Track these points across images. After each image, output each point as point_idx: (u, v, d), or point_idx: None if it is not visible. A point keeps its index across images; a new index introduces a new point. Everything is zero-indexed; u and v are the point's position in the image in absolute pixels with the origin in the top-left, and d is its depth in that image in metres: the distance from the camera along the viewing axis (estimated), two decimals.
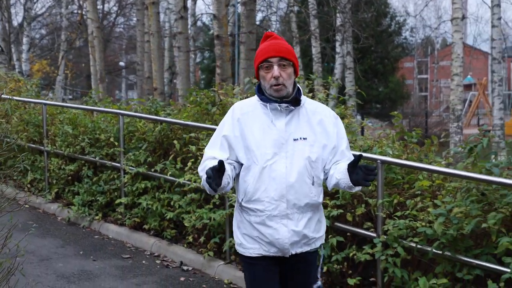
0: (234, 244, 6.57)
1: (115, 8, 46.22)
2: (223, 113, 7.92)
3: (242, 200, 3.66)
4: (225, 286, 6.49)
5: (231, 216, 6.70)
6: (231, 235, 6.77)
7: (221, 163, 3.31)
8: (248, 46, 12.81)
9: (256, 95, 3.71)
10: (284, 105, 3.59)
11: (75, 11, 36.35)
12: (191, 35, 26.33)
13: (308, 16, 24.29)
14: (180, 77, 17.04)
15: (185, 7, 16.49)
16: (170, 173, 7.45)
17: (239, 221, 3.76)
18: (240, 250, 3.75)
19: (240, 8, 28.64)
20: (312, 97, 7.87)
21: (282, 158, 3.56)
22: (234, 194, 6.59)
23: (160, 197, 7.60)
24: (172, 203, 7.39)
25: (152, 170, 7.77)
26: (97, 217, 8.45)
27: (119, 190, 8.26)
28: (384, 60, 37.94)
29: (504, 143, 16.62)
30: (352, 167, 3.48)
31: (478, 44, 78.17)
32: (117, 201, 8.13)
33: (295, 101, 3.62)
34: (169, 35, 26.30)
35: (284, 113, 3.61)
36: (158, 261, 7.21)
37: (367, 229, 5.75)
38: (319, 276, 3.86)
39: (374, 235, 5.60)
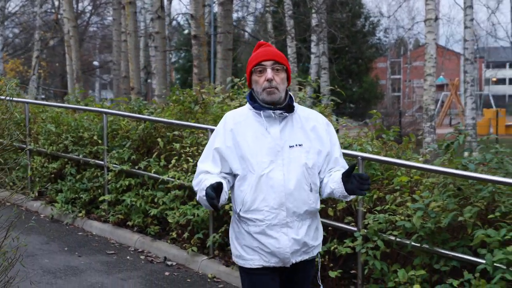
0: (217, 240, 6.79)
1: (89, 8, 46.11)
2: (205, 111, 8.10)
3: (240, 210, 3.58)
4: (209, 280, 6.65)
5: (214, 212, 6.88)
6: (215, 231, 6.94)
7: (220, 184, 3.28)
8: (225, 46, 12.96)
9: (247, 104, 3.67)
10: (278, 111, 3.55)
11: (49, 10, 36.19)
12: (167, 35, 26.41)
13: (284, 16, 24.49)
14: (157, 76, 17.11)
15: (162, 7, 16.58)
16: (154, 170, 7.59)
17: (237, 232, 3.67)
18: (239, 262, 3.67)
19: (215, 8, 28.81)
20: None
21: (279, 166, 3.51)
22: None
23: (144, 194, 7.73)
24: (156, 200, 7.54)
25: (136, 167, 7.91)
26: (80, 214, 8.56)
27: (103, 187, 8.38)
28: (358, 61, 38.31)
29: (478, 140, 17.01)
30: (346, 177, 3.46)
31: (450, 45, 79.14)
32: (101, 198, 8.24)
33: (289, 108, 3.59)
34: (144, 35, 26.39)
35: (278, 120, 3.58)
36: (142, 257, 7.35)
37: (348, 223, 5.94)
38: (320, 282, 3.87)
39: (355, 229, 5.79)
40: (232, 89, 8.58)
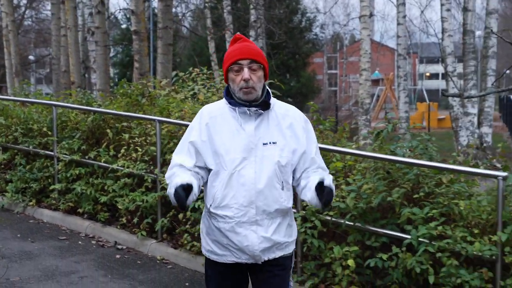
0: (165, 224, 7.21)
1: (24, 1, 45.48)
2: (151, 104, 8.51)
3: (210, 206, 3.56)
4: (158, 262, 7.07)
5: (162, 198, 7.31)
6: (163, 216, 7.36)
7: (190, 185, 3.33)
8: (166, 41, 13.26)
9: (224, 98, 3.63)
10: (253, 109, 3.51)
11: None
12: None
13: (223, 12, 24.90)
14: (98, 71, 17.29)
15: (102, 2, 16.75)
16: (103, 160, 7.96)
17: (207, 227, 3.66)
18: (212, 257, 3.65)
19: (154, 3, 28.97)
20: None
21: (251, 163, 3.48)
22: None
23: (94, 183, 8.09)
24: (106, 187, 7.91)
25: (86, 157, 8.25)
26: (31, 203, 8.85)
27: (53, 177, 8.69)
28: (296, 56, 38.82)
29: (409, 135, 17.76)
30: (319, 189, 3.42)
31: (385, 41, 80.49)
32: (51, 187, 8.56)
33: (265, 105, 3.55)
34: (82, 29, 26.36)
35: (253, 117, 3.53)
36: (93, 242, 7.71)
37: None
38: (291, 278, 3.84)
39: (294, 210, 6.27)
40: (177, 82, 9.00)
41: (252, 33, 24.39)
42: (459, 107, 18.70)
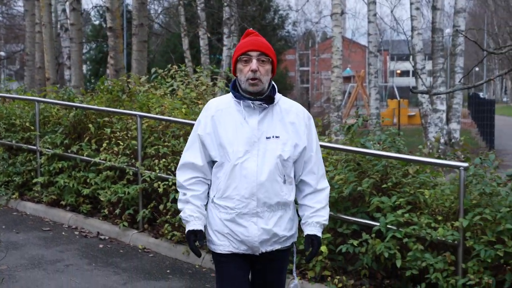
0: (146, 215, 7.52)
1: None
2: (131, 100, 8.81)
3: (214, 196, 3.67)
4: (140, 250, 7.38)
5: (143, 190, 7.63)
6: (144, 207, 7.68)
7: (201, 233, 3.62)
8: (140, 38, 13.52)
9: (230, 92, 3.71)
10: (257, 102, 3.58)
11: None
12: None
13: (196, 9, 25.15)
14: (73, 67, 17.46)
15: None
16: (86, 153, 8.24)
17: (210, 218, 3.73)
18: (210, 247, 3.75)
19: (127, 0, 29.10)
20: (214, 86, 8.90)
21: (253, 156, 3.56)
22: (147, 171, 7.52)
23: (76, 176, 8.36)
24: (88, 180, 8.19)
25: (69, 151, 8.53)
26: (14, 196, 9.09)
27: (35, 170, 8.96)
28: None
29: (378, 129, 18.22)
30: (309, 243, 3.69)
31: (356, 38, 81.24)
32: (34, 180, 8.82)
33: (269, 99, 3.61)
34: (55, 26, 26.41)
35: (258, 111, 3.60)
36: (76, 233, 8.00)
37: None
38: (295, 274, 3.88)
39: None
40: (156, 79, 9.31)
41: (225, 30, 24.67)
42: (428, 104, 19.21)
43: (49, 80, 18.71)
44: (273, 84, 3.68)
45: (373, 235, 5.85)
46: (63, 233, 7.97)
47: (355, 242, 5.93)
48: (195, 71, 9.31)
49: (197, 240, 3.60)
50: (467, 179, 5.63)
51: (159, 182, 7.31)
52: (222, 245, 3.66)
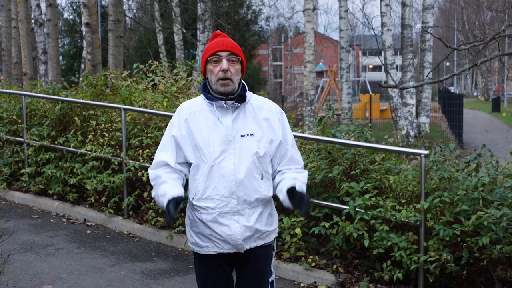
0: (131, 202, 7.97)
1: None
2: (114, 94, 9.25)
3: (193, 199, 3.68)
4: (125, 235, 7.86)
5: (128, 179, 8.09)
6: (129, 195, 8.14)
7: (182, 198, 3.53)
8: (116, 34, 13.79)
9: (202, 94, 3.73)
10: (230, 102, 3.62)
11: None
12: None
13: (171, 4, 25.48)
14: (50, 62, 17.69)
15: None
16: (72, 145, 8.66)
17: (191, 220, 3.76)
18: (195, 249, 3.77)
19: None
20: (190, 81, 9.36)
21: (230, 155, 3.59)
22: (131, 161, 7.97)
23: (63, 166, 8.78)
24: (74, 170, 8.62)
25: (56, 143, 8.95)
26: (1, 186, 9.48)
27: (23, 161, 9.36)
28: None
29: (348, 120, 18.78)
30: (290, 194, 3.55)
31: (328, 33, 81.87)
32: (22, 170, 9.22)
33: (241, 98, 3.65)
34: (28, 21, 26.52)
35: (231, 110, 3.65)
36: (64, 220, 8.44)
37: None
38: (272, 269, 3.93)
39: None
40: (137, 74, 9.75)
41: (200, 26, 25.04)
42: (398, 98, 19.80)
43: (26, 75, 18.94)
44: (243, 83, 3.74)
45: (343, 217, 6.39)
46: (52, 220, 8.40)
47: (327, 225, 6.46)
48: (174, 66, 9.74)
49: (178, 205, 3.50)
50: (428, 165, 6.18)
51: (143, 171, 7.78)
52: (207, 246, 3.70)
